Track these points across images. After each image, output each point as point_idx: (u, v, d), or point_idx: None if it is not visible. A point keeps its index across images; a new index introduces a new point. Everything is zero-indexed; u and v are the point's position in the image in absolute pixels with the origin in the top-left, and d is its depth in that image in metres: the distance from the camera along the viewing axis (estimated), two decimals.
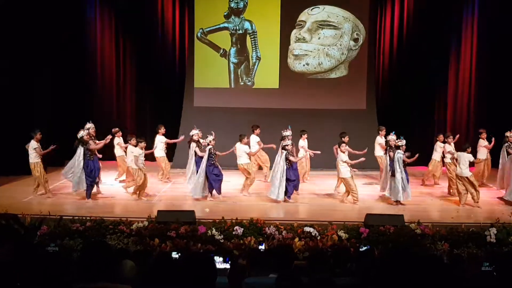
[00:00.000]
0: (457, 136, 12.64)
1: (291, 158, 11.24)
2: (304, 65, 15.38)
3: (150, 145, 12.56)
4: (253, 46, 15.33)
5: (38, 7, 13.44)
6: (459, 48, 15.48)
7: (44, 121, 13.38)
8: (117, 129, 12.80)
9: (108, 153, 12.69)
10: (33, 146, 11.19)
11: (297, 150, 12.45)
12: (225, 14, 15.27)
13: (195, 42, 15.35)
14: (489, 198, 11.76)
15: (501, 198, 11.54)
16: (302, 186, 12.42)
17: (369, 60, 15.39)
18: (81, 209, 10.53)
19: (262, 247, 8.75)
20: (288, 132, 11.66)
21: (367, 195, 11.90)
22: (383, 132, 12.77)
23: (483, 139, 12.71)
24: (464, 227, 9.41)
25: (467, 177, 10.92)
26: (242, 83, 15.50)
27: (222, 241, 9.02)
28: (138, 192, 11.26)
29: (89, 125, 11.78)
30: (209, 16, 15.31)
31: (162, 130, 12.82)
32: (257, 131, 12.63)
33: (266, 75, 15.43)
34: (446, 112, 15.77)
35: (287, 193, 11.19)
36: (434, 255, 7.80)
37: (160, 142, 12.78)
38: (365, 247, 8.71)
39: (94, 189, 11.43)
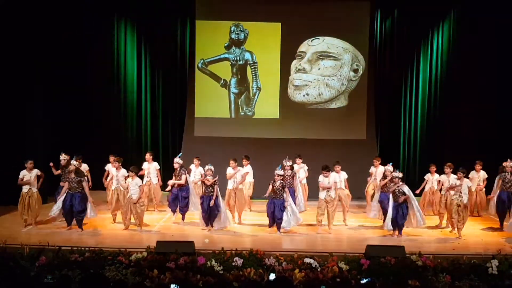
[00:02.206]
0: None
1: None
2: (304, 96, 15.47)
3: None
4: (254, 76, 15.45)
5: (38, 29, 13.66)
6: (461, 77, 15.59)
7: (41, 151, 13.42)
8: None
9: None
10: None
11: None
12: (226, 45, 15.43)
13: (196, 72, 15.49)
14: (488, 229, 11.71)
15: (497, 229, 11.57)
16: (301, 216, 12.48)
17: (369, 91, 15.50)
18: (80, 239, 10.46)
19: (272, 276, 8.66)
20: (288, 163, 11.83)
21: (367, 226, 11.88)
22: (377, 163, 12.97)
23: (477, 171, 12.77)
24: (466, 258, 9.33)
25: (466, 205, 10.99)
26: (242, 113, 15.57)
27: (221, 272, 8.93)
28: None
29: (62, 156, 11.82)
30: (210, 47, 15.48)
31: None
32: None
33: (267, 105, 15.53)
34: (446, 140, 15.80)
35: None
36: None
37: (155, 169, 13.02)
38: (366, 279, 8.64)
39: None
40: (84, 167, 11.98)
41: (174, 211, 12.06)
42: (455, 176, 11.52)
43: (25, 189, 11.23)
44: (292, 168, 12.22)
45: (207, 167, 11.32)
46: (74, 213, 11.00)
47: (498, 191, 11.88)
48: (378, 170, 12.90)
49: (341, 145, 15.02)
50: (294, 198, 11.73)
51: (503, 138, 14.73)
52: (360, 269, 8.98)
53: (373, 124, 15.58)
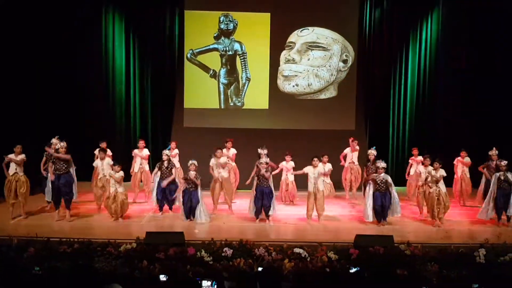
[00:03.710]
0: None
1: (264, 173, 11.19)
2: (293, 86, 15.46)
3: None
4: (243, 67, 15.41)
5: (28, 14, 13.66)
6: (450, 67, 15.66)
7: (31, 138, 13.31)
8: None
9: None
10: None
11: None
12: (215, 35, 15.37)
13: (185, 62, 15.42)
14: (475, 218, 11.84)
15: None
16: (290, 207, 12.71)
17: (358, 81, 15.52)
18: (69, 230, 10.42)
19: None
20: (260, 150, 11.88)
21: (355, 215, 11.95)
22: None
23: (462, 158, 12.92)
24: (454, 248, 9.39)
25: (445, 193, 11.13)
26: (232, 104, 15.55)
27: (211, 263, 8.94)
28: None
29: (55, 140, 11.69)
30: (199, 37, 15.40)
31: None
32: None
33: (256, 96, 15.50)
34: (436, 131, 15.89)
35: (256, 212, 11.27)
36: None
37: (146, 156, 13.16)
38: (355, 269, 8.70)
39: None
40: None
41: (161, 207, 12.01)
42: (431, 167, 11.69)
43: (11, 172, 11.17)
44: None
45: (190, 162, 11.32)
46: (62, 193, 11.00)
47: (485, 180, 12.06)
48: (353, 153, 13.27)
49: (330, 136, 15.03)
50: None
51: (492, 128, 14.82)
52: (349, 259, 9.03)
53: (363, 114, 15.63)
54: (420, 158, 12.58)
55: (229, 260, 8.96)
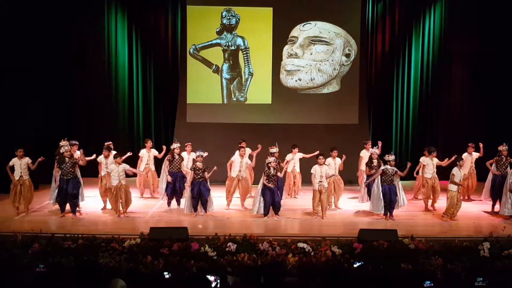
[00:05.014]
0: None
1: (278, 173, 11.20)
2: (296, 81, 15.44)
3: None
4: (246, 62, 15.38)
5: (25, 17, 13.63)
6: (451, 59, 15.60)
7: (31, 138, 13.31)
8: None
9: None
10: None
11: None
12: (217, 30, 15.33)
13: (187, 58, 15.39)
14: (480, 211, 11.81)
15: (489, 212, 11.72)
16: (294, 202, 12.67)
17: (361, 75, 15.48)
18: (73, 226, 10.45)
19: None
20: (274, 149, 11.69)
21: (359, 210, 11.94)
22: (369, 146, 12.90)
23: (470, 153, 12.81)
24: (458, 241, 9.39)
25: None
26: (234, 99, 15.53)
27: (215, 258, 8.95)
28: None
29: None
30: (202, 32, 15.37)
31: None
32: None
33: (259, 91, 15.48)
34: (439, 125, 15.86)
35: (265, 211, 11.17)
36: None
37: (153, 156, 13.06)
38: (359, 263, 8.71)
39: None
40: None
41: (170, 202, 12.03)
42: (436, 160, 11.92)
43: (16, 176, 11.20)
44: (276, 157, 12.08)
45: (198, 153, 11.31)
46: (69, 198, 11.01)
47: (492, 175, 12.02)
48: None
49: (333, 130, 15.02)
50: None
51: (495, 121, 14.78)
52: (353, 253, 9.04)
53: (366, 108, 15.58)
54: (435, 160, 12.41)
55: (233, 255, 8.98)
